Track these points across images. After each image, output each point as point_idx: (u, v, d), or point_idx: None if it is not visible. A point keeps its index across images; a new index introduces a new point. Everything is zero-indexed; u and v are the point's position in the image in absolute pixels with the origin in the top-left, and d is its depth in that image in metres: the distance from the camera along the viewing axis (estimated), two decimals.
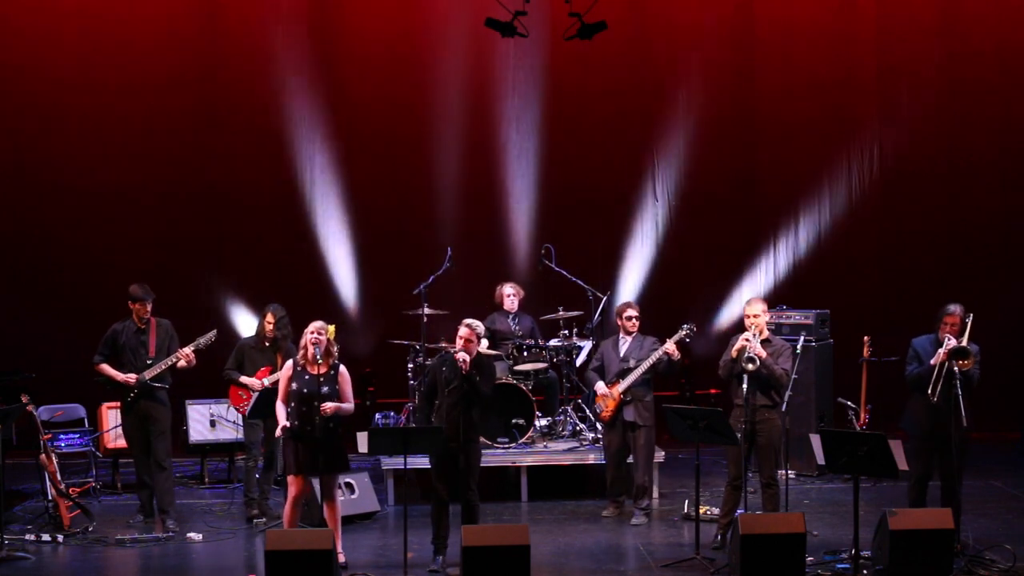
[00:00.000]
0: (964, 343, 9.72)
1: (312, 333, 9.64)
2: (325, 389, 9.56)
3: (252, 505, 11.26)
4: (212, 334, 11.13)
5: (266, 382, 10.98)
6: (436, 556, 9.79)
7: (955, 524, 9.31)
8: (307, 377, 9.61)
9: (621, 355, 11.20)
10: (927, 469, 9.96)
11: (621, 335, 11.29)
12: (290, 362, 9.75)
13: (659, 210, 15.00)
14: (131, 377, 10.88)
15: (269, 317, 11.17)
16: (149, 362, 10.92)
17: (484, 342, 12.54)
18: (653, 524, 11.20)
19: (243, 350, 11.23)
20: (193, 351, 10.96)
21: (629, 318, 11.25)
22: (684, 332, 10.96)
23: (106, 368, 11.02)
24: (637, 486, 11.17)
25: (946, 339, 9.76)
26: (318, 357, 9.63)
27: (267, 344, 11.18)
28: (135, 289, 11.05)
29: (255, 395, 10.94)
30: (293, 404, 9.61)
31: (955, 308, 9.88)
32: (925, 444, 9.88)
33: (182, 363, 10.98)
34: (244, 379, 11.11)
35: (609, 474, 11.36)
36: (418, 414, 10.15)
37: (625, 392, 11.04)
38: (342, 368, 9.75)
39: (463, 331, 9.79)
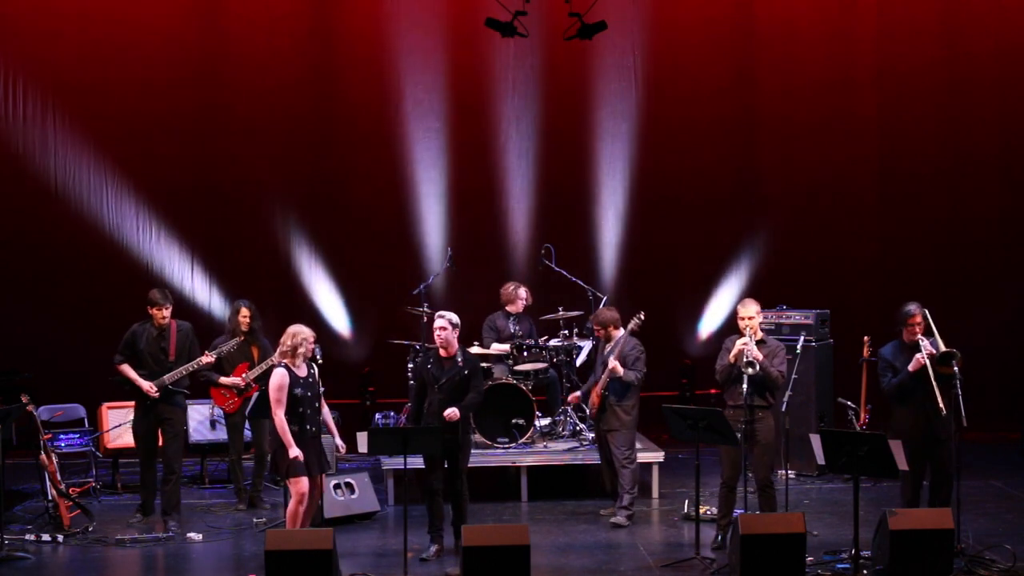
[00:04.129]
0: (939, 341, 9.67)
1: (310, 341, 9.65)
2: (319, 388, 9.69)
3: (243, 497, 11.61)
4: (234, 343, 11.28)
5: (248, 377, 11.34)
6: (431, 545, 9.89)
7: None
8: (302, 381, 9.60)
9: (604, 355, 11.18)
10: (919, 471, 9.91)
11: None
12: (283, 372, 9.55)
13: (672, 209, 15.01)
14: (153, 389, 10.85)
15: (244, 312, 11.56)
16: (169, 366, 10.93)
17: (496, 345, 12.61)
18: (653, 524, 11.21)
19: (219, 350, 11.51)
20: (215, 358, 11.04)
21: (595, 329, 11.30)
22: (633, 322, 10.88)
23: (127, 370, 10.93)
24: (616, 487, 11.16)
25: (920, 340, 9.72)
26: (319, 359, 9.76)
27: (243, 340, 11.51)
28: (155, 294, 11.00)
29: (255, 395, 11.09)
30: (301, 409, 9.56)
31: (914, 307, 9.83)
32: (915, 449, 9.77)
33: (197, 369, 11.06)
34: (224, 380, 11.48)
35: (605, 474, 11.37)
36: (411, 414, 10.20)
37: (604, 390, 11.03)
38: (315, 366, 9.84)
39: (437, 322, 9.98)
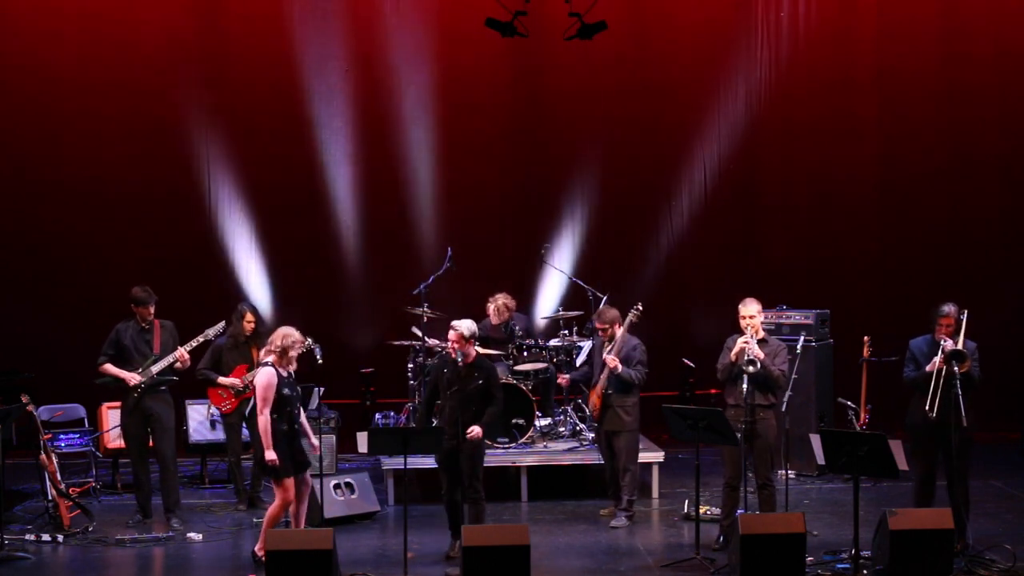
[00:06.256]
0: (960, 344, 9.70)
1: (300, 344, 9.72)
2: (299, 388, 9.82)
3: (243, 497, 11.69)
4: (220, 326, 11.32)
5: (247, 378, 11.40)
6: (453, 542, 9.95)
7: (956, 524, 9.32)
8: (287, 380, 9.65)
9: (604, 355, 11.16)
10: (930, 468, 9.94)
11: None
12: (272, 372, 9.57)
13: (673, 210, 15.01)
14: (135, 376, 10.88)
15: (249, 316, 11.72)
16: (154, 358, 10.94)
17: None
18: (653, 524, 11.21)
19: (219, 350, 11.66)
20: (188, 351, 11.01)
21: (596, 329, 11.29)
22: (632, 314, 10.91)
23: (110, 368, 11.01)
24: (618, 488, 11.13)
25: (943, 340, 9.74)
26: (319, 359, 9.91)
27: (243, 342, 11.65)
28: (138, 292, 11.05)
29: (254, 396, 11.15)
30: (288, 408, 9.61)
31: (949, 308, 9.85)
32: (926, 445, 9.86)
33: (178, 365, 11.03)
34: (222, 380, 11.60)
35: (607, 474, 11.37)
36: (418, 416, 10.18)
37: (604, 394, 11.01)
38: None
39: (450, 334, 9.95)
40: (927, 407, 9.58)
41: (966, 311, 9.81)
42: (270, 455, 9.47)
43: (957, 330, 9.77)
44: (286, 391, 9.59)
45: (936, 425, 9.70)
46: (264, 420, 9.50)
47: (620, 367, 10.84)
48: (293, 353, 9.63)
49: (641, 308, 11.00)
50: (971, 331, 9.83)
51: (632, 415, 11.02)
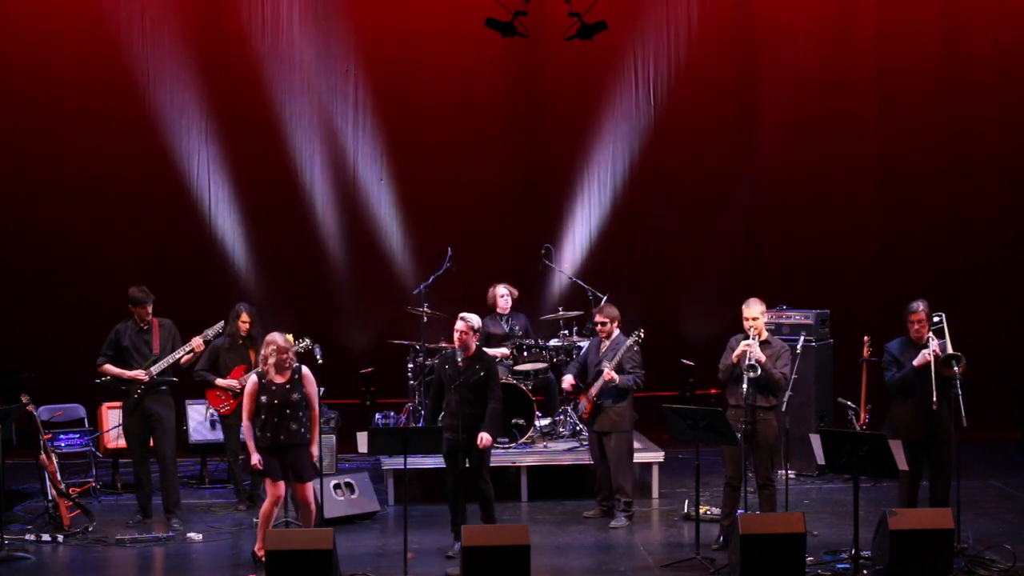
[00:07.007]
0: (949, 346, 9.68)
1: (286, 353, 9.66)
2: (296, 396, 9.65)
3: (242, 497, 11.70)
4: (219, 325, 11.31)
5: (244, 380, 11.24)
6: (455, 543, 9.90)
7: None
8: (274, 388, 9.63)
9: (599, 357, 11.16)
10: (917, 470, 9.92)
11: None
12: (254, 377, 9.71)
13: (658, 210, 15.02)
14: (139, 373, 10.89)
15: (244, 316, 11.67)
16: (154, 359, 10.94)
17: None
18: (653, 524, 11.21)
19: (216, 351, 11.60)
20: (203, 341, 11.05)
21: (595, 324, 11.27)
22: (633, 339, 10.92)
23: (111, 368, 11.02)
24: (613, 489, 11.13)
25: (930, 339, 9.73)
26: (319, 359, 9.86)
27: (240, 342, 11.59)
28: (135, 292, 11.06)
29: None
30: (264, 416, 9.61)
31: (919, 304, 9.85)
32: (913, 447, 9.79)
33: (187, 357, 11.05)
34: (220, 381, 11.57)
35: (596, 475, 11.36)
36: (426, 413, 10.26)
37: (597, 396, 11.01)
38: (305, 370, 9.81)
39: (458, 324, 10.02)
40: (934, 397, 9.56)
41: (943, 314, 9.81)
42: (254, 458, 9.61)
43: (938, 330, 9.76)
44: (263, 399, 9.61)
45: (922, 428, 9.71)
46: (244, 425, 9.71)
47: (618, 379, 10.85)
48: (272, 361, 9.64)
49: (643, 335, 11.01)
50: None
51: (623, 416, 11.01)
